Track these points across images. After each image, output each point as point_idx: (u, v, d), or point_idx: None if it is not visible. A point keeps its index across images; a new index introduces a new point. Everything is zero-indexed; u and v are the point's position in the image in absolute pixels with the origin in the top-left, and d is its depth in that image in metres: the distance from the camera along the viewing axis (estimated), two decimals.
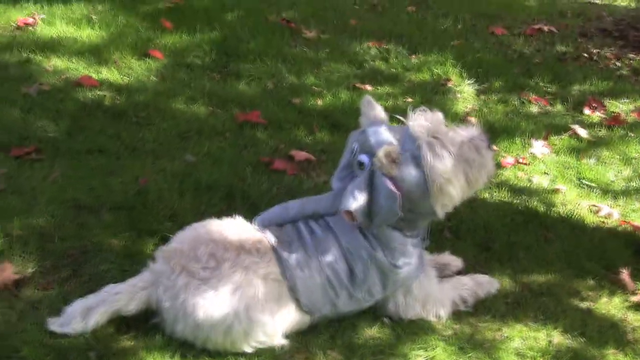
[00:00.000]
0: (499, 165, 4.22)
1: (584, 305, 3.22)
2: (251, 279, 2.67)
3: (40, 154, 3.91)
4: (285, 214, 2.97)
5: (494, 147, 2.87)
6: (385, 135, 2.77)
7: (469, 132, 2.85)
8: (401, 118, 2.86)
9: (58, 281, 3.00)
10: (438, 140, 2.73)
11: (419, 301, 2.98)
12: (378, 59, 5.82)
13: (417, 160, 2.69)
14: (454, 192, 2.78)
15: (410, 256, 2.88)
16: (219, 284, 2.63)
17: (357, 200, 2.68)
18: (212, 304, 2.61)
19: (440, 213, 2.82)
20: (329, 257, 2.80)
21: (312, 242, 2.83)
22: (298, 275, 2.75)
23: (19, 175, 3.68)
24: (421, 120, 2.77)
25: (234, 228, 2.84)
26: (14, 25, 5.62)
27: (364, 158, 2.78)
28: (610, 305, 3.24)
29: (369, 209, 2.72)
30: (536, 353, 2.90)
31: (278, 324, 2.75)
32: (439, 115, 2.84)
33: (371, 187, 2.72)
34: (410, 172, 2.70)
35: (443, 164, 2.71)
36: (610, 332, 3.07)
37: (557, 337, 3.00)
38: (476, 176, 2.81)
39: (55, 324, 2.68)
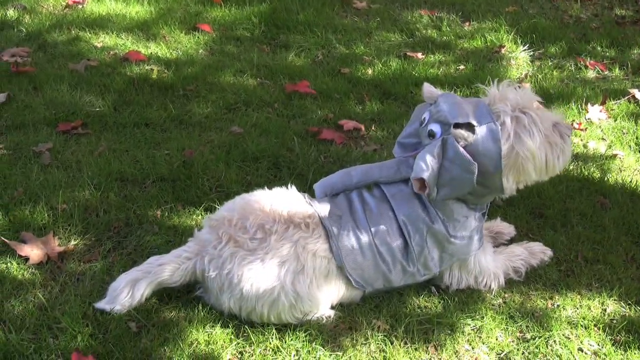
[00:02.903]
0: None
1: None
2: (299, 253, 2.61)
3: (86, 129, 3.92)
4: (348, 181, 2.87)
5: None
6: (458, 107, 2.67)
7: (556, 116, 2.82)
8: (485, 88, 2.83)
9: (102, 253, 3.00)
10: (528, 116, 2.70)
11: (473, 275, 2.92)
12: (430, 28, 5.71)
13: (495, 135, 2.61)
14: (532, 171, 2.76)
15: (470, 229, 2.81)
16: (266, 256, 2.58)
17: (429, 168, 2.60)
18: (258, 276, 2.57)
19: (510, 189, 2.78)
20: (381, 232, 2.72)
21: (363, 215, 2.74)
22: (347, 252, 2.68)
23: (65, 150, 3.69)
24: (509, 94, 2.74)
25: (285, 200, 2.77)
26: (64, 4, 5.64)
27: (435, 127, 2.68)
28: None
29: (438, 179, 2.65)
30: (589, 322, 2.80)
31: (326, 298, 2.71)
32: (529, 91, 2.80)
33: (442, 157, 2.64)
34: (486, 145, 2.62)
35: (531, 139, 2.69)
36: None
37: (612, 306, 2.90)
38: (555, 161, 2.79)
39: (102, 303, 2.64)
